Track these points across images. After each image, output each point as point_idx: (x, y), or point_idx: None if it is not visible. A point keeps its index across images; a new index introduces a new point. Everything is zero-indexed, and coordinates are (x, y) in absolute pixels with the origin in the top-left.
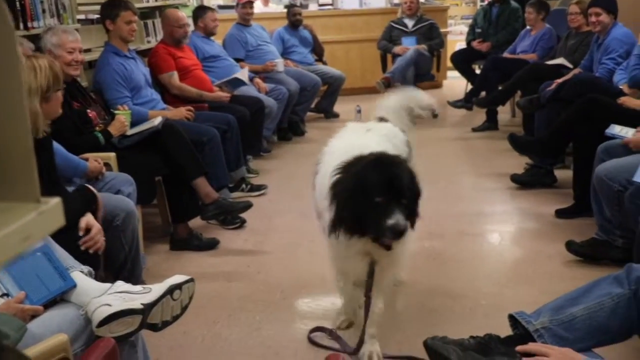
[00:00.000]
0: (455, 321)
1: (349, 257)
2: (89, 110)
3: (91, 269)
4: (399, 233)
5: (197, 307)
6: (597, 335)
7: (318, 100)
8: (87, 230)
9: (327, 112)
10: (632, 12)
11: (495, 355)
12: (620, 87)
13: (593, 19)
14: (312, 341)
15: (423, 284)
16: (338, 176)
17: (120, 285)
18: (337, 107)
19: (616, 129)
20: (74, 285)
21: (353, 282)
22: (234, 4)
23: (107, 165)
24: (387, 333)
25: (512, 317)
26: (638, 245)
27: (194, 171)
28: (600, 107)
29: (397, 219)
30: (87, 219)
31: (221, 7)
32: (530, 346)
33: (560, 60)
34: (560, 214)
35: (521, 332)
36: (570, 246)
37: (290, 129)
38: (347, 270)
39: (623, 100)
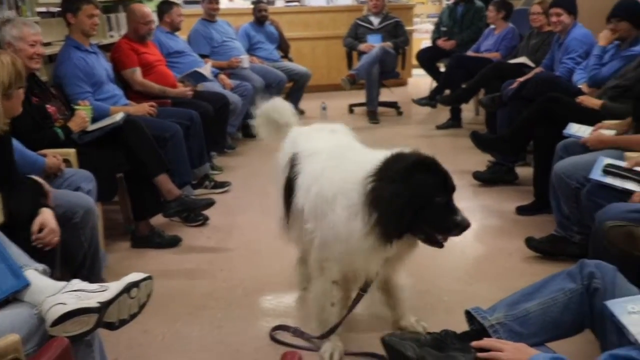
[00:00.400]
0: (417, 318)
1: (371, 259)
2: (48, 106)
3: (47, 267)
4: (465, 228)
5: (157, 305)
6: (550, 330)
7: (283, 97)
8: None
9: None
10: (591, 13)
11: (450, 351)
12: (580, 86)
13: (554, 19)
14: (274, 339)
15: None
16: (379, 183)
17: (76, 283)
18: (303, 104)
19: (574, 129)
20: (28, 284)
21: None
22: None
23: (66, 162)
24: (348, 330)
25: (468, 313)
26: (593, 241)
27: (156, 168)
28: (560, 106)
29: (461, 215)
30: (43, 218)
31: (187, 2)
32: (485, 341)
33: (522, 59)
34: (521, 210)
35: (477, 327)
36: (529, 242)
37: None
38: (360, 271)
39: (581, 99)
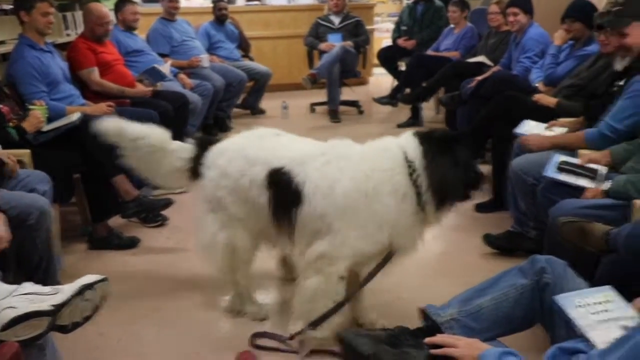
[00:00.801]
0: (376, 315)
1: (418, 235)
2: (1, 106)
3: None
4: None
5: (115, 307)
6: (502, 325)
7: (244, 97)
8: None
9: (254, 108)
10: (546, 13)
11: (404, 347)
12: (536, 84)
13: (511, 18)
14: (255, 346)
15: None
16: (431, 161)
17: (28, 286)
18: (264, 104)
19: (527, 126)
20: None
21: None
22: None
23: (20, 163)
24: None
25: (422, 311)
26: (548, 237)
27: (114, 168)
28: (517, 104)
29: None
30: None
31: (145, 0)
32: (438, 337)
33: (481, 58)
34: (479, 208)
35: (431, 324)
36: (487, 239)
37: (216, 125)
38: (404, 249)
39: (537, 97)
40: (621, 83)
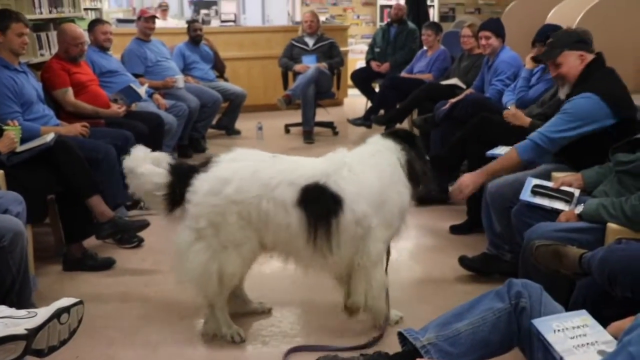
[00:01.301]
0: (353, 339)
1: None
2: None
3: None
4: None
5: (91, 329)
6: (480, 349)
7: (219, 117)
8: None
9: (229, 129)
10: (518, 36)
11: None
12: (509, 107)
13: (483, 42)
14: None
15: (321, 302)
16: (410, 158)
17: (3, 310)
18: (239, 124)
19: (498, 150)
20: None
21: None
22: (134, 17)
23: None
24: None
25: (400, 334)
26: (522, 260)
27: (88, 189)
28: (492, 126)
29: None
30: None
31: (120, 20)
32: None
33: (454, 81)
34: (454, 230)
35: (410, 348)
36: (462, 261)
37: (191, 145)
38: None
39: (510, 112)
40: None
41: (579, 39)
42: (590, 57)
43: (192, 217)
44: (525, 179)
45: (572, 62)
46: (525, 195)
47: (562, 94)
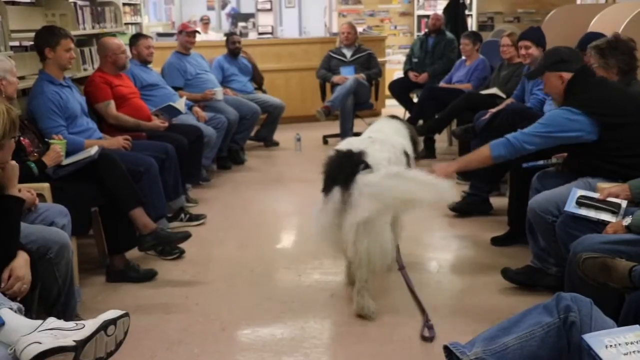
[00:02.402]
0: (394, 351)
1: None
2: (22, 138)
3: (21, 305)
4: None
5: (133, 340)
6: None
7: (258, 129)
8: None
9: (267, 141)
10: (559, 44)
11: None
12: None
13: (523, 51)
14: None
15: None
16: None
17: (52, 322)
18: (277, 136)
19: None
20: (2, 324)
21: None
22: (174, 31)
23: (40, 196)
24: None
25: (446, 348)
26: (569, 273)
27: (131, 201)
28: None
29: None
30: (13, 265)
31: (160, 34)
32: None
33: (493, 90)
34: (495, 241)
35: None
36: (505, 274)
37: (230, 157)
38: None
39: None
40: None
41: (559, 60)
42: (568, 76)
43: None
44: (567, 192)
45: (554, 82)
46: (570, 207)
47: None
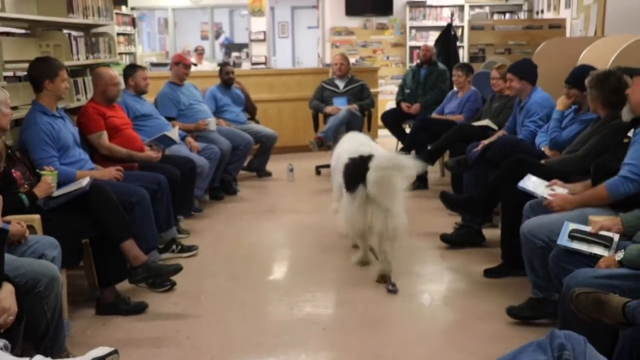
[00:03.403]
0: None
1: None
2: (13, 171)
3: (7, 342)
4: None
5: None
6: None
7: (251, 159)
8: None
9: (260, 171)
10: (549, 76)
11: None
12: (542, 149)
13: (507, 84)
14: None
15: (354, 347)
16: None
17: (40, 359)
18: (270, 166)
19: (530, 183)
20: None
21: None
22: (167, 61)
23: (30, 228)
24: None
25: None
26: (562, 308)
27: (122, 233)
28: (526, 167)
29: None
30: None
31: (154, 64)
32: None
33: (485, 122)
34: (488, 273)
35: None
36: (510, 312)
37: (223, 188)
38: None
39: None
40: (630, 134)
41: None
42: None
43: None
44: (560, 219)
45: None
46: (563, 240)
47: (626, 116)
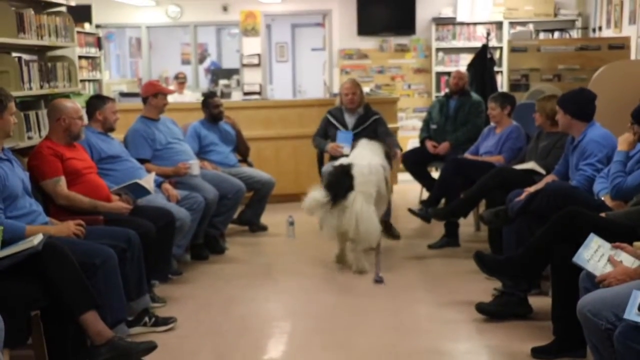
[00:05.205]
0: None
1: None
2: None
3: None
4: None
5: None
6: None
7: (242, 210)
8: None
9: (253, 225)
10: (609, 109)
11: None
12: (602, 198)
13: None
14: None
15: None
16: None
17: None
18: (265, 218)
19: (585, 254)
20: None
21: None
22: (138, 90)
23: None
24: None
25: None
26: None
27: (82, 304)
28: (583, 223)
29: None
30: None
31: (124, 94)
32: None
33: (530, 165)
34: (537, 353)
35: None
36: None
37: (207, 245)
38: None
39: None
40: None
41: None
42: None
43: None
44: (626, 292)
45: None
46: (632, 314)
47: None
